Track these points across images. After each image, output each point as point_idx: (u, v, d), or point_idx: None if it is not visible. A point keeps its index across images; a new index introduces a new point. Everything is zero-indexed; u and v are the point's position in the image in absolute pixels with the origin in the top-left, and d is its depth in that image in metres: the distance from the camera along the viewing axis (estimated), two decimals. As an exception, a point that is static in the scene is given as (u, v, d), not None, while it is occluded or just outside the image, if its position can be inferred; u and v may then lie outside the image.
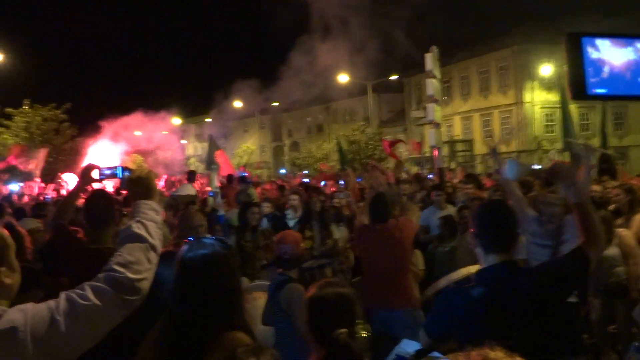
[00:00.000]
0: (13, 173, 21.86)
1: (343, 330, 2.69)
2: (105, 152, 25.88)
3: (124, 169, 2.95)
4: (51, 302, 1.86)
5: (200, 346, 2.23)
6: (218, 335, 2.25)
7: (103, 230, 3.83)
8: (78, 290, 1.89)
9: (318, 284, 2.93)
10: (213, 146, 16.32)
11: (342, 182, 13.40)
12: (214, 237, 2.51)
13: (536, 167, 19.29)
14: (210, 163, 15.50)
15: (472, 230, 2.90)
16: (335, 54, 31.25)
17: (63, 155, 34.11)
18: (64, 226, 4.00)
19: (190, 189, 11.38)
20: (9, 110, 33.59)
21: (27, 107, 34.69)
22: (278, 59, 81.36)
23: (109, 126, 28.04)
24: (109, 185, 12.40)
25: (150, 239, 2.12)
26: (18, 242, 2.78)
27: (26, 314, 1.79)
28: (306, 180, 18.74)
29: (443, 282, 4.83)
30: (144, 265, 2.04)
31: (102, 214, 3.84)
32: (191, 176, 13.70)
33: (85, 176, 3.72)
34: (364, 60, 32.52)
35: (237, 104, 50.31)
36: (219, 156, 16.28)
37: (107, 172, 3.25)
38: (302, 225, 7.61)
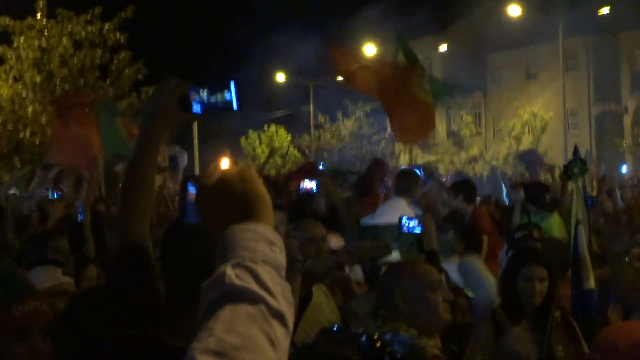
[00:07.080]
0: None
1: None
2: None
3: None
4: None
5: None
6: None
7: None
8: None
9: None
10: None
11: None
12: None
13: None
14: None
15: None
16: None
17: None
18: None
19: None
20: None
21: (40, 15, 17.90)
22: None
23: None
24: None
25: (268, 298, 1.10)
26: None
27: None
28: None
29: None
30: (262, 353, 1.04)
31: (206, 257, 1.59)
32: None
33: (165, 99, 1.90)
34: None
35: (514, 10, 24.25)
36: None
37: (211, 98, 1.80)
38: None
